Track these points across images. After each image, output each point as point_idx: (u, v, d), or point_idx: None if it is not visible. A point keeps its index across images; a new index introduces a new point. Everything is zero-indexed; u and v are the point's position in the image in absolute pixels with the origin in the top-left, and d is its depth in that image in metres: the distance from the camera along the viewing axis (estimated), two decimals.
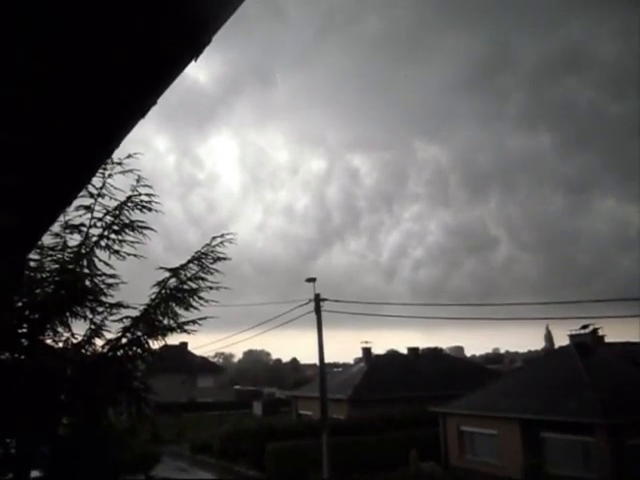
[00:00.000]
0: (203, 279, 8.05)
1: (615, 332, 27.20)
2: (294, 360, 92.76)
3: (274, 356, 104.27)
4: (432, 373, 35.99)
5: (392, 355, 47.79)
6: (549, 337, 73.48)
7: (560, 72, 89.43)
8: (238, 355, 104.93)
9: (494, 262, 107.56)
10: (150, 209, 7.86)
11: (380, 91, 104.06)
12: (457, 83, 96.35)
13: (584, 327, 24.38)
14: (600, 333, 25.53)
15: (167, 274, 7.99)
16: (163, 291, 7.93)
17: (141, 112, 2.27)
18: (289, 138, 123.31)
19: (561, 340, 42.19)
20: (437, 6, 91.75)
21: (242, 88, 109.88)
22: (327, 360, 26.81)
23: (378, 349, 48.45)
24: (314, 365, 39.04)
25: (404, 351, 42.44)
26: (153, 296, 7.88)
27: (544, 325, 68.63)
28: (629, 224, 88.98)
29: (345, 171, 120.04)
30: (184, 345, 48.53)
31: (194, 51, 1.99)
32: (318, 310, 23.42)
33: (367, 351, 38.67)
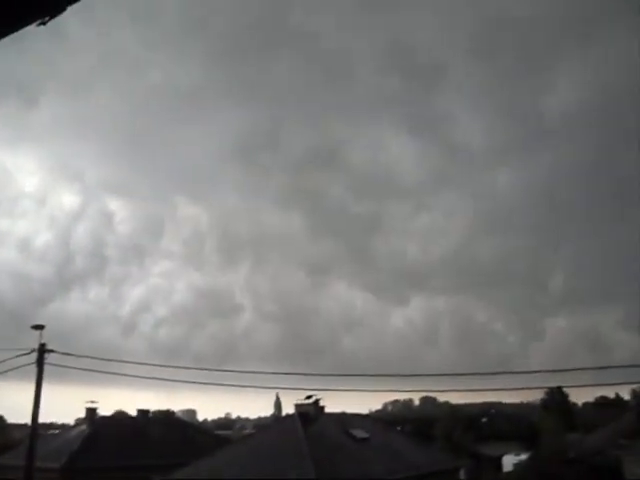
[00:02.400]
0: None
1: (334, 404, 30.01)
2: None
3: None
4: (162, 438, 34.39)
5: (120, 417, 44.59)
6: (278, 405, 77.03)
7: (317, 166, 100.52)
8: None
9: (236, 328, 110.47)
10: None
11: (152, 142, 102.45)
12: (227, 152, 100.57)
13: (308, 397, 26.33)
14: (321, 404, 27.79)
15: None
16: None
17: None
18: (43, 166, 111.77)
19: (288, 407, 44.84)
20: (218, 75, 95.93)
21: None
22: (44, 420, 23.78)
23: (107, 409, 44.78)
24: (26, 425, 34.12)
25: (134, 413, 40.05)
26: None
27: (273, 392, 71.92)
28: (354, 307, 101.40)
29: (99, 214, 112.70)
30: None
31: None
32: (41, 362, 20.88)
33: (91, 412, 35.25)
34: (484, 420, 65.94)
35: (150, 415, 39.85)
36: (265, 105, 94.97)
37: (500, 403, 76.98)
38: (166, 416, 48.76)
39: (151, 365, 24.75)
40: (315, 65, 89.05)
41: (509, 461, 38.41)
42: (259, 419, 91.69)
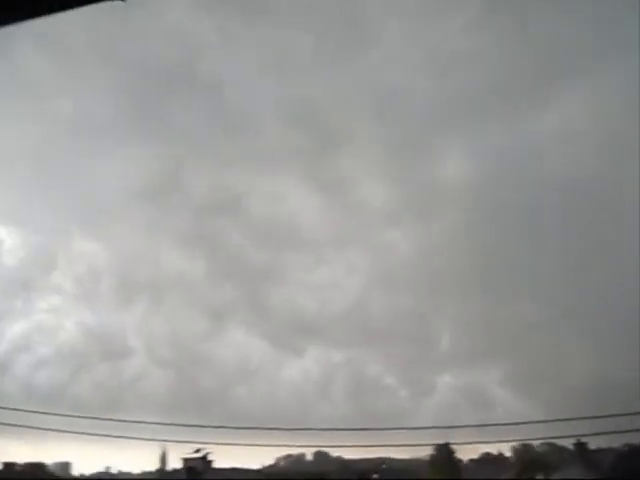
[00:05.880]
0: None
1: (224, 457, 28.73)
2: None
3: None
4: None
5: None
6: (164, 458, 72.84)
7: (219, 212, 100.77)
8: None
9: (126, 373, 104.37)
10: None
11: (54, 172, 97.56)
12: (130, 190, 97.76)
13: (197, 451, 25.15)
14: (210, 458, 26.58)
15: None
16: None
17: None
18: None
19: (176, 462, 42.48)
20: (127, 113, 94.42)
21: None
22: None
23: None
24: None
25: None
26: None
27: (160, 444, 68.00)
28: (250, 356, 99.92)
29: None
30: None
31: None
32: None
33: None
34: (375, 476, 65.98)
35: (17, 468, 36.16)
36: (171, 148, 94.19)
37: (391, 459, 77.63)
38: (36, 470, 44.31)
39: (20, 411, 22.53)
40: (221, 113, 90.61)
41: None
42: (142, 473, 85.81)
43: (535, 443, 60.99)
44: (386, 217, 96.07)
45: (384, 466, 73.25)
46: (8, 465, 35.32)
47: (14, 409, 21.94)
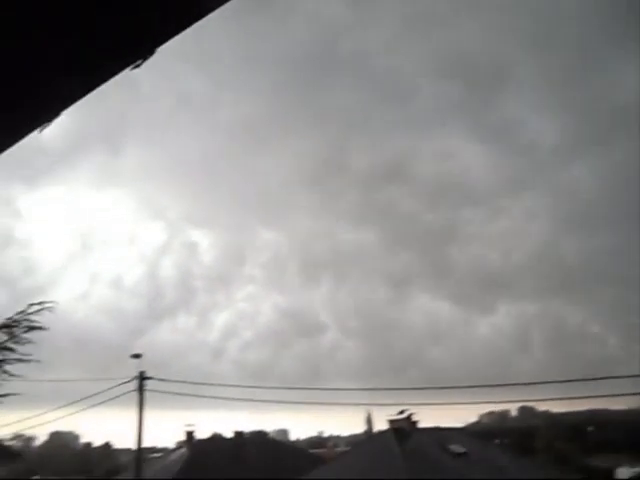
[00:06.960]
0: (11, 349, 7.09)
1: (427, 418, 29.16)
2: (107, 445, 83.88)
3: (84, 439, 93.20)
4: (258, 459, 34.89)
5: (216, 439, 45.76)
6: (369, 421, 76.24)
7: (385, 181, 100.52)
8: (41, 437, 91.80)
9: (321, 347, 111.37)
10: None
11: (227, 175, 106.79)
12: (297, 178, 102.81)
13: (401, 412, 25.81)
14: (414, 418, 27.13)
15: None
16: None
17: None
18: (130, 208, 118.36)
19: (380, 423, 44.22)
20: (286, 105, 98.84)
21: (87, 150, 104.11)
22: (146, 444, 24.84)
23: (203, 432, 46.02)
24: (130, 450, 35.71)
25: (229, 434, 40.98)
26: None
27: (364, 409, 71.36)
28: (440, 318, 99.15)
29: (183, 247, 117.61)
30: None
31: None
32: (141, 389, 21.87)
33: (189, 435, 36.46)
34: (590, 429, 61.94)
35: (245, 436, 40.56)
36: (327, 129, 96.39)
37: (606, 410, 72.01)
38: (260, 437, 49.48)
39: (242, 387, 25.28)
40: (370, 84, 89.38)
41: (624, 474, 35.35)
42: (351, 436, 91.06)
43: None
44: (563, 154, 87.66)
45: (600, 418, 68.35)
46: (237, 433, 39.82)
47: (235, 385, 24.72)
